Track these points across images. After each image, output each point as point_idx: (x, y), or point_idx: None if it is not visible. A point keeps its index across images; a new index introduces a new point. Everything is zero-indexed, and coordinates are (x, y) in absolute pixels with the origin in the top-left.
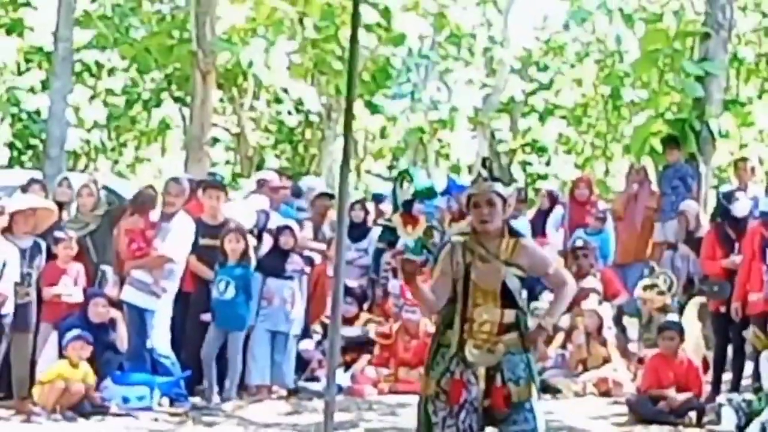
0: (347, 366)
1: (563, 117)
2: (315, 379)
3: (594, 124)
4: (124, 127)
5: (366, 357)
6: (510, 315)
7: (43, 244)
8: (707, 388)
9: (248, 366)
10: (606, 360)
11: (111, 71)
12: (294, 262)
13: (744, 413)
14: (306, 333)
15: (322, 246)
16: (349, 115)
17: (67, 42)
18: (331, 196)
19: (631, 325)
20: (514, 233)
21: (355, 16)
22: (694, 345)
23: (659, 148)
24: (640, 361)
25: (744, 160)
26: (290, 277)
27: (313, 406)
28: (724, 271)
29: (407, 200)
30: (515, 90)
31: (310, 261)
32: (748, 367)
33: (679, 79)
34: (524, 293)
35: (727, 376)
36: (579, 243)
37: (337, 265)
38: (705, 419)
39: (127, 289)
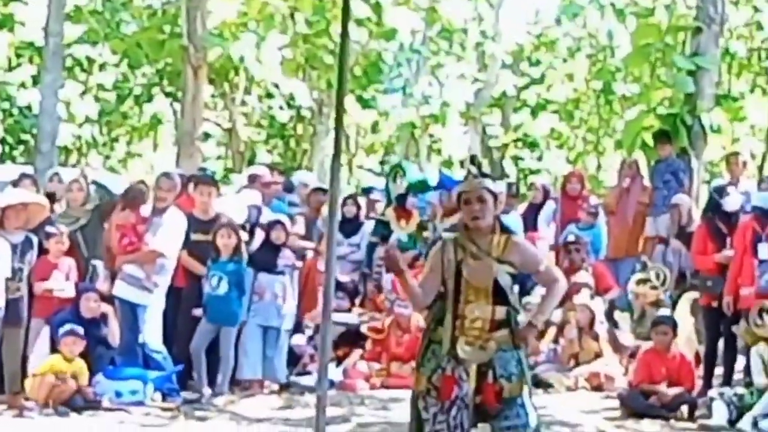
0: (339, 361)
1: (555, 112)
2: (307, 373)
3: (586, 118)
4: (115, 122)
5: (358, 352)
6: (501, 312)
7: (35, 239)
8: (699, 383)
9: (240, 361)
10: (598, 354)
11: (102, 66)
12: (285, 257)
13: (735, 407)
14: (298, 328)
15: (312, 244)
16: (340, 110)
17: (57, 37)
18: (326, 191)
19: (623, 319)
20: (505, 230)
21: (346, 11)
22: (686, 339)
23: (651, 142)
24: (632, 355)
25: (735, 154)
26: (281, 272)
27: (305, 401)
28: (717, 266)
29: (401, 194)
30: (507, 85)
31: (301, 256)
32: (740, 361)
33: (670, 74)
34: (516, 289)
35: (719, 371)
36: (571, 238)
37: (329, 260)
38: (697, 413)
39: (119, 284)
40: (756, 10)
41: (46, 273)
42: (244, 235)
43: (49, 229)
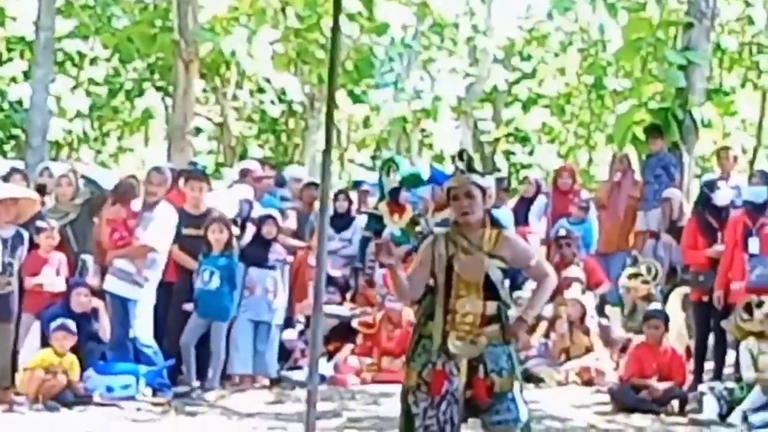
0: (330, 355)
1: (546, 106)
2: (298, 368)
3: (577, 113)
4: (106, 117)
5: (349, 346)
6: (492, 307)
7: (26, 234)
8: (690, 377)
9: (231, 356)
10: (589, 349)
11: (93, 61)
12: (276, 252)
13: (726, 402)
14: (289, 322)
15: (302, 243)
16: (331, 105)
17: (48, 31)
18: (318, 186)
19: (614, 314)
20: (496, 224)
21: (337, 6)
22: (677, 334)
23: (642, 137)
24: (623, 350)
25: (726, 149)
26: (273, 267)
27: (295, 396)
28: (708, 261)
29: (394, 188)
30: (498, 79)
31: (292, 250)
32: (731, 355)
33: (662, 69)
34: (507, 283)
35: (709, 365)
36: (562, 232)
37: (320, 255)
38: (687, 408)
39: (110, 278)
40: (747, 4)
41: (36, 268)
42: (236, 230)
43: (39, 223)
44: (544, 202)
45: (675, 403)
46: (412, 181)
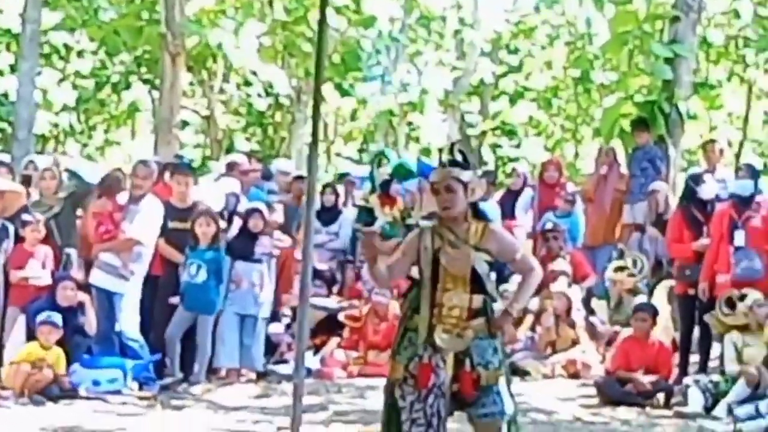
0: (316, 349)
1: (533, 100)
2: (284, 362)
3: (564, 106)
4: (93, 110)
5: (335, 340)
6: (478, 300)
7: (11, 227)
8: (676, 370)
9: (217, 349)
10: (575, 342)
11: (80, 53)
12: (263, 245)
13: (711, 394)
14: (275, 316)
15: (287, 239)
16: (317, 98)
17: (34, 23)
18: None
19: (600, 307)
20: (482, 217)
21: None
22: (663, 327)
23: (629, 130)
24: (609, 343)
25: (713, 142)
26: (259, 260)
27: (282, 389)
28: (694, 254)
29: (385, 180)
30: (485, 73)
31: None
32: (716, 348)
33: (648, 62)
34: (493, 276)
35: (694, 358)
36: (548, 225)
37: (306, 248)
38: (673, 401)
39: (96, 272)
40: None
41: (22, 261)
42: (222, 223)
43: (25, 217)
44: (531, 196)
45: (660, 396)
46: (402, 173)
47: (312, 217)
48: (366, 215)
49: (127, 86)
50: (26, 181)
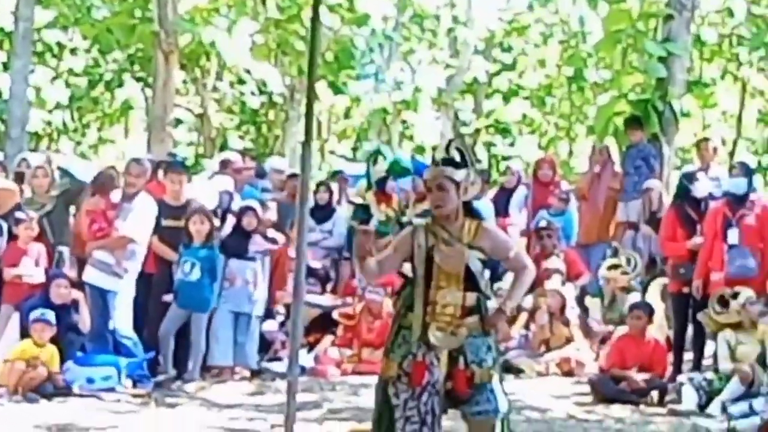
0: (310, 347)
1: (527, 98)
2: (278, 359)
3: (557, 105)
4: (86, 108)
5: (329, 338)
6: (472, 298)
7: (4, 225)
8: (670, 368)
9: (211, 347)
10: (569, 340)
11: (73, 51)
12: (257, 243)
13: (705, 392)
14: (269, 314)
15: (281, 238)
16: (310, 96)
17: (27, 21)
18: None
19: (594, 305)
20: (476, 216)
21: None
22: (658, 325)
23: (623, 128)
24: (603, 341)
25: (706, 140)
26: (253, 258)
27: (276, 387)
28: (688, 253)
29: (381, 178)
30: (479, 71)
31: (273, 242)
32: (710, 346)
33: (642, 60)
34: (487, 274)
35: (688, 356)
36: (542, 223)
37: (299, 246)
38: (666, 398)
39: (89, 270)
40: None
41: (15, 259)
42: (216, 221)
43: (18, 215)
44: (525, 194)
45: (654, 394)
46: (397, 170)
47: (305, 215)
48: (362, 212)
49: (120, 84)
50: (19, 178)
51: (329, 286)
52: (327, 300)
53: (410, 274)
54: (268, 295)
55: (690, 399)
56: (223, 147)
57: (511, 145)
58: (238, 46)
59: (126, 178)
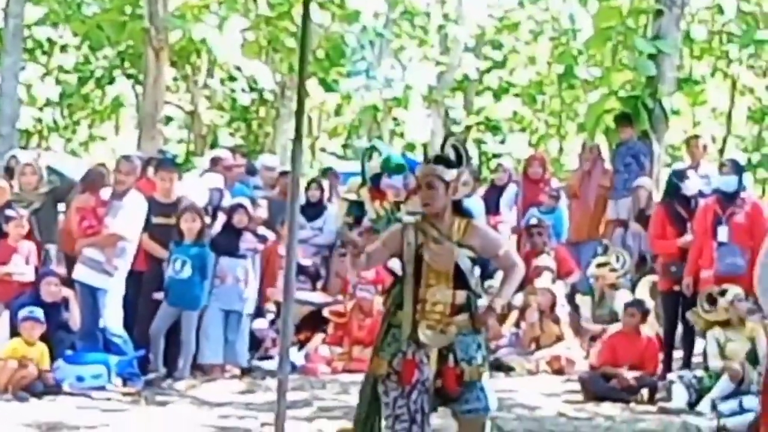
0: (301, 345)
1: (517, 95)
2: (268, 357)
3: (548, 102)
4: (76, 105)
5: (320, 336)
6: (462, 296)
7: None
8: (660, 366)
9: (201, 345)
10: (559, 338)
11: (63, 48)
12: (247, 241)
13: (695, 390)
14: (259, 312)
15: (267, 242)
16: (301, 93)
17: (17, 18)
18: None
19: (584, 303)
20: (466, 214)
21: None
22: (648, 322)
23: (613, 125)
24: (593, 338)
25: (696, 137)
26: (243, 256)
27: (266, 385)
28: (678, 251)
29: (375, 174)
30: (469, 68)
31: (263, 239)
32: (699, 344)
33: (632, 57)
34: (476, 272)
35: (678, 354)
36: (533, 221)
37: (290, 243)
38: (657, 396)
39: (79, 267)
40: None
41: (5, 257)
42: (206, 219)
43: (8, 212)
44: (515, 191)
45: (645, 392)
46: (390, 166)
47: (296, 212)
48: (356, 209)
49: (111, 81)
50: (9, 175)
51: (319, 284)
52: (317, 297)
53: (400, 272)
54: (259, 292)
55: (680, 397)
56: (214, 144)
57: (502, 142)
58: (229, 43)
59: (116, 175)
